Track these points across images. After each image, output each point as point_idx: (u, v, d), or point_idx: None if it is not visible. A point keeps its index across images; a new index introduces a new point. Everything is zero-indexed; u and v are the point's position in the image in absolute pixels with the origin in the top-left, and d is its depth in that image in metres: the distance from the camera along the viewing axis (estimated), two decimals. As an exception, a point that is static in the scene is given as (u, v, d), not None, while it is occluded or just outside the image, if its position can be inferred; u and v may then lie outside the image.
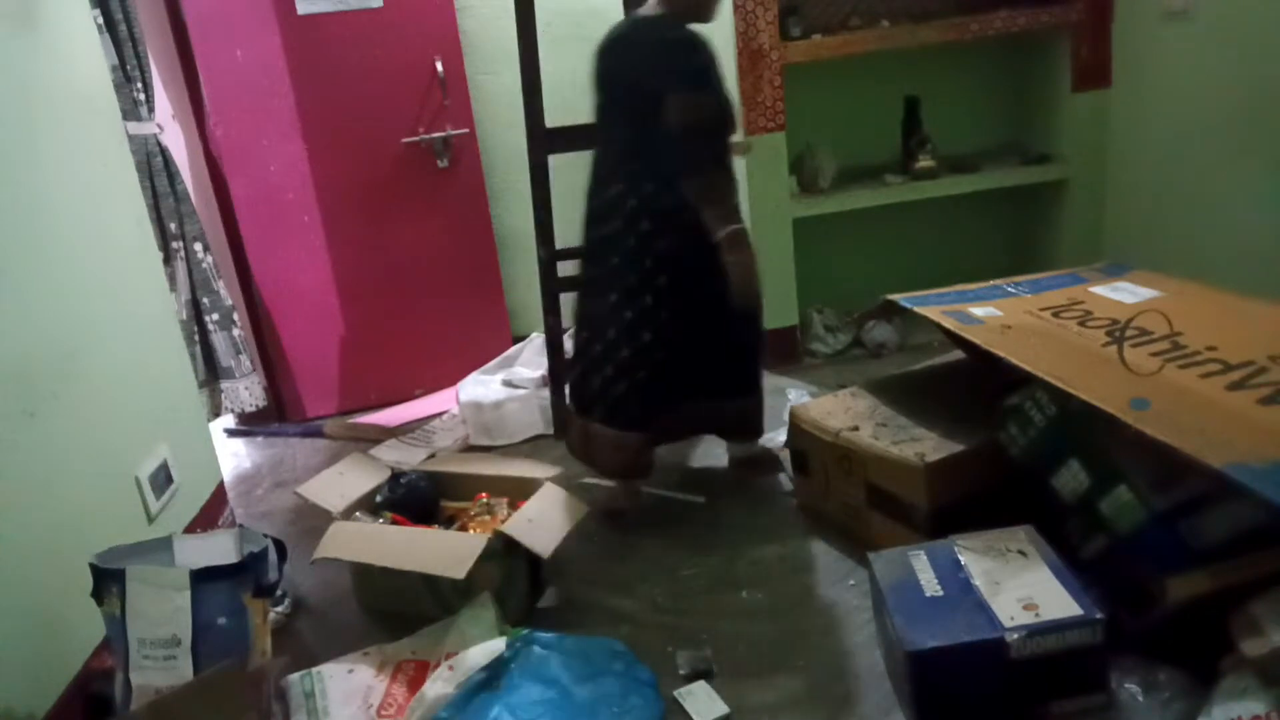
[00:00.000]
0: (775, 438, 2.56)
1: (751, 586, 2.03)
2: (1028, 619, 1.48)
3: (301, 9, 3.08)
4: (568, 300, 2.92)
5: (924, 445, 1.96)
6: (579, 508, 2.07)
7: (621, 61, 2.06)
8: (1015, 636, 1.46)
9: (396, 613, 1.99)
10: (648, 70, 2.00)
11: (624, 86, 2.08)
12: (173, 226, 3.01)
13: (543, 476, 2.17)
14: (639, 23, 2.10)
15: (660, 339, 2.14)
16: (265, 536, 1.67)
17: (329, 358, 3.38)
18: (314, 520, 2.20)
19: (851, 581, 1.99)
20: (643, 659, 1.75)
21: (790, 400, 2.71)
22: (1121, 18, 3.01)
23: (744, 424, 2.44)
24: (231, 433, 3.33)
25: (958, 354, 2.40)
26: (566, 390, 2.47)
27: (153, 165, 2.92)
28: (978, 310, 1.99)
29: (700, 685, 1.71)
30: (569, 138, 2.89)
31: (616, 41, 2.10)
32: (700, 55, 1.98)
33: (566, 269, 2.86)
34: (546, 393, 2.94)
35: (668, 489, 2.50)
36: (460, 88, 3.24)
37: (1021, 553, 1.66)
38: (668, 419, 2.28)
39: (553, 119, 2.78)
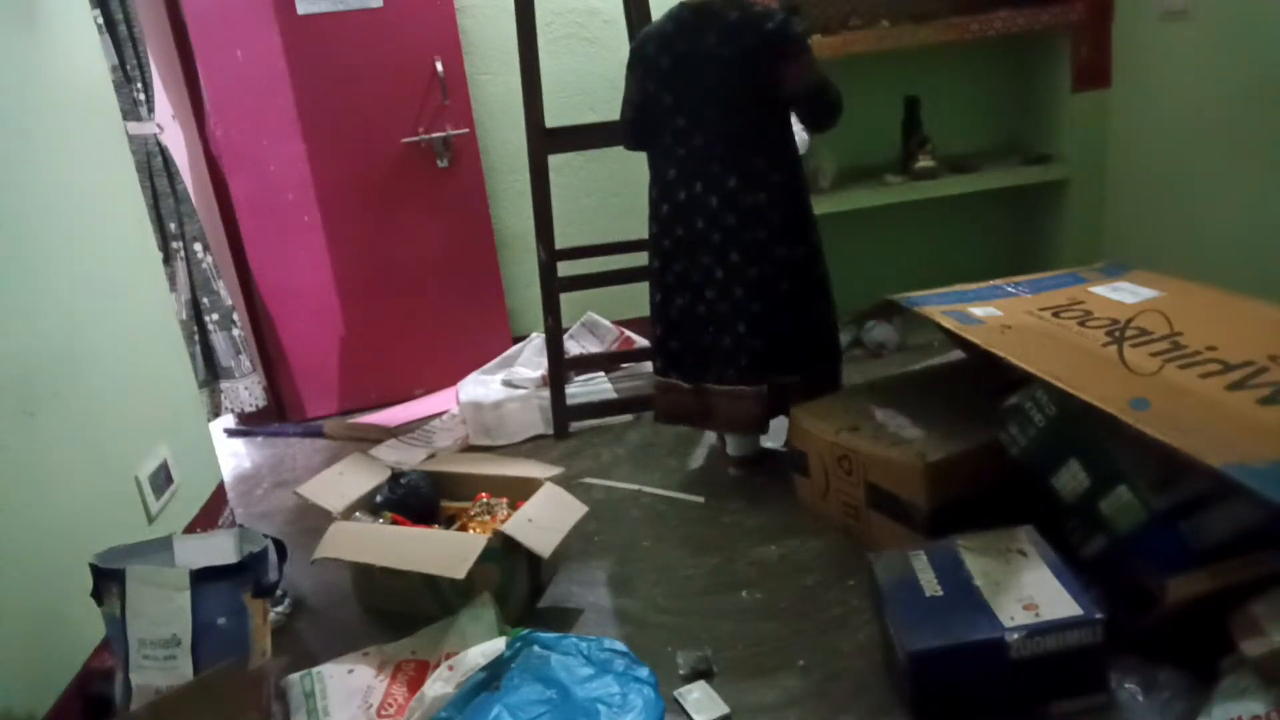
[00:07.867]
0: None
1: (751, 586, 2.03)
2: (1028, 619, 1.48)
3: (301, 9, 3.08)
4: (568, 300, 2.93)
5: (924, 445, 1.96)
6: (579, 508, 2.07)
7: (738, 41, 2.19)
8: (1015, 636, 1.46)
9: (396, 613, 1.99)
10: (785, 36, 2.22)
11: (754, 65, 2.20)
12: (173, 226, 3.01)
13: (543, 476, 2.17)
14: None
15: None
16: (265, 536, 1.66)
17: (329, 358, 3.38)
18: (314, 520, 2.20)
19: (851, 581, 1.99)
20: (643, 659, 1.74)
21: (790, 400, 2.71)
22: (1121, 18, 3.01)
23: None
24: (231, 433, 3.33)
25: (958, 354, 2.40)
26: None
27: (153, 165, 2.92)
28: (978, 310, 1.99)
29: (700, 685, 1.71)
30: (569, 138, 2.89)
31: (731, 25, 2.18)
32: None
33: (566, 269, 2.86)
34: (546, 393, 2.94)
35: (667, 489, 2.51)
36: (460, 88, 3.24)
37: (1021, 553, 1.66)
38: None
39: (553, 119, 2.78)
